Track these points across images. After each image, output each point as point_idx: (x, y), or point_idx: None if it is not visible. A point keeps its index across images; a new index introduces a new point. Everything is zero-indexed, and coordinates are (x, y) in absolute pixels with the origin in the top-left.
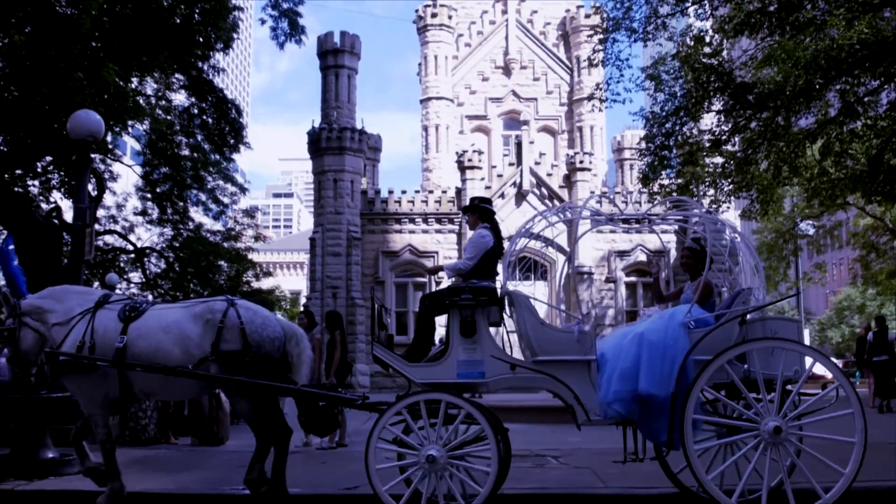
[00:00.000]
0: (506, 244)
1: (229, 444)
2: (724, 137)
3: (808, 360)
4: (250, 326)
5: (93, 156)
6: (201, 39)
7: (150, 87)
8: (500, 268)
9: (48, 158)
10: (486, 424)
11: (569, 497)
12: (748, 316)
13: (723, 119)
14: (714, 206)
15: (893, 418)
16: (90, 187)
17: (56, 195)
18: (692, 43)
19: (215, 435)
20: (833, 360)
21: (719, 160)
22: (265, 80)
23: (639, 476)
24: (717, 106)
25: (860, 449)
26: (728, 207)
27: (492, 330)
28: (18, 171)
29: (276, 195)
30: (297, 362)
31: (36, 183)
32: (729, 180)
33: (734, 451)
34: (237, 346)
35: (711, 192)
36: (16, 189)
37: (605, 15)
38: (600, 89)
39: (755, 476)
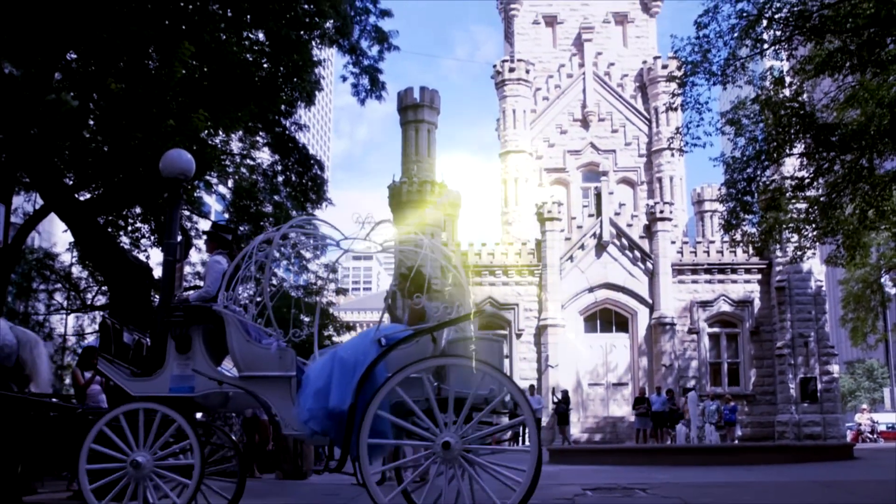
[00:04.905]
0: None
1: (312, 478)
2: (807, 181)
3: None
4: None
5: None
6: (284, 96)
7: (235, 145)
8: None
9: (138, 210)
10: (192, 437)
11: None
12: (452, 335)
13: (805, 162)
14: (798, 252)
15: None
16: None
17: (145, 243)
18: (771, 85)
19: (300, 469)
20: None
21: (802, 206)
22: (344, 147)
23: None
24: (799, 149)
25: (525, 488)
26: (813, 254)
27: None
28: (111, 217)
29: (356, 258)
30: (32, 370)
31: (126, 240)
32: (813, 226)
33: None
34: None
35: (795, 237)
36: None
37: (682, 60)
38: (679, 133)
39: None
